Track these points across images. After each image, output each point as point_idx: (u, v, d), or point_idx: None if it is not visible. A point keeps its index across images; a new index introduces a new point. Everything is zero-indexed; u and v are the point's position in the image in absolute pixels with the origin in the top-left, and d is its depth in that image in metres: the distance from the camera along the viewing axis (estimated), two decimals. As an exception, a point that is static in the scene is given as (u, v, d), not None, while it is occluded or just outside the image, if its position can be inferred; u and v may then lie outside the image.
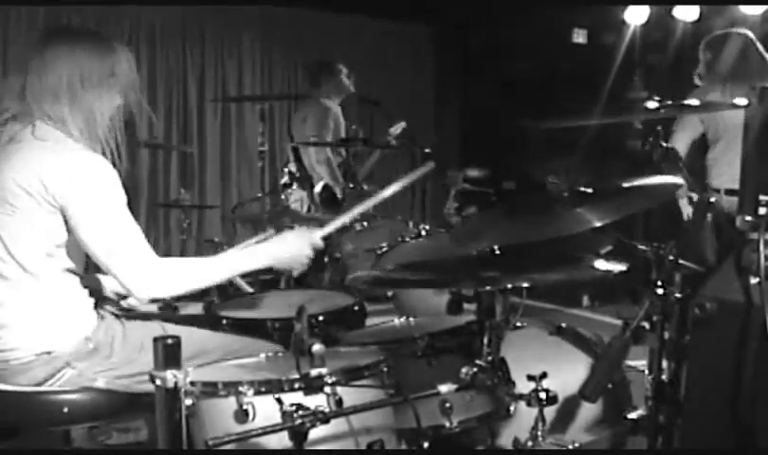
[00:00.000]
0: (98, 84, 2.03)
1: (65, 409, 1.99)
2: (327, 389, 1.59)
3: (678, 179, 2.00)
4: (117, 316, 2.20)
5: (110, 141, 2.07)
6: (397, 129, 5.35)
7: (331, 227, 2.34)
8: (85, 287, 2.11)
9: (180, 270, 2.08)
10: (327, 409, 1.56)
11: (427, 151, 5.36)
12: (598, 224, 1.95)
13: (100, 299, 2.21)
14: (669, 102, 1.93)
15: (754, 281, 1.73)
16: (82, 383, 2.01)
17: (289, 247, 2.22)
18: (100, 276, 2.32)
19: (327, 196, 4.67)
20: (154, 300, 2.28)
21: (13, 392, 1.99)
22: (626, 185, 2.12)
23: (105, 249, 1.96)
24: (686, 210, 3.45)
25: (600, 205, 2.04)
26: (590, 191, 2.08)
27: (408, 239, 3.28)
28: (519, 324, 2.73)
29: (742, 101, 1.82)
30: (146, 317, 2.41)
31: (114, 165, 2.03)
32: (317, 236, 2.28)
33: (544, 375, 1.99)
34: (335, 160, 5.11)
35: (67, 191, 1.92)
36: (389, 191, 2.45)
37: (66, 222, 1.96)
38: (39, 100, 1.99)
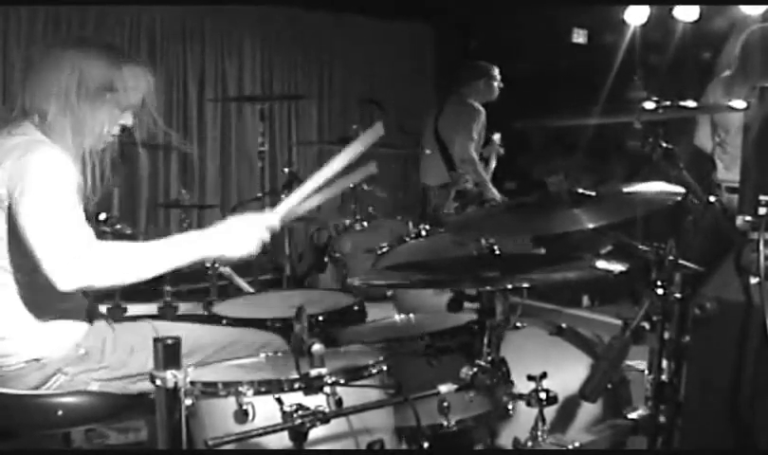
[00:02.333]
0: (93, 95, 1.99)
1: (60, 412, 1.98)
2: (327, 389, 1.59)
3: (679, 188, 1.99)
4: (107, 319, 2.17)
5: (95, 157, 2.01)
6: (497, 139, 5.58)
7: (286, 207, 2.10)
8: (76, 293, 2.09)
9: (107, 261, 1.88)
10: (327, 409, 1.56)
11: (427, 151, 5.39)
12: (594, 225, 1.95)
13: (91, 304, 2.18)
14: (668, 103, 1.93)
15: (754, 281, 1.73)
16: (75, 388, 2.00)
17: (237, 233, 2.00)
18: None
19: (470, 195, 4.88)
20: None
21: (7, 395, 1.98)
22: (626, 190, 2.13)
23: (33, 240, 1.83)
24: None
25: (599, 207, 2.05)
26: (592, 194, 2.08)
27: (408, 239, 3.29)
28: (519, 324, 2.74)
29: (741, 104, 1.82)
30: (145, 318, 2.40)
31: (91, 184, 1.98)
32: (272, 218, 2.06)
33: (544, 375, 1.99)
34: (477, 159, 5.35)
35: (13, 176, 1.86)
36: (339, 162, 2.10)
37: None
38: (33, 95, 1.98)
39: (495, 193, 5.34)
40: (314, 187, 2.08)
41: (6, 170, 1.88)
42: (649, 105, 1.93)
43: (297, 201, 2.09)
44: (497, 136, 5.60)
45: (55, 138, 1.96)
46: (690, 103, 2.00)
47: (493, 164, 5.60)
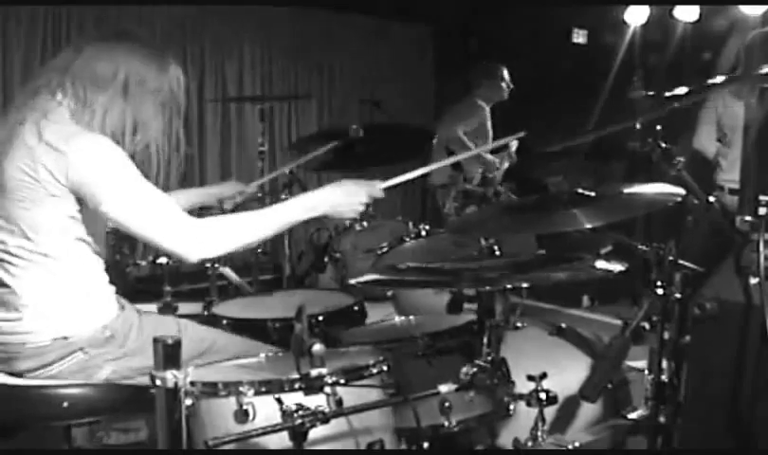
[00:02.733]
0: (144, 92, 2.02)
1: (65, 404, 1.99)
2: (327, 389, 1.59)
3: (679, 189, 2.00)
4: (135, 308, 2.18)
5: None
6: (513, 145, 5.56)
7: (395, 181, 2.25)
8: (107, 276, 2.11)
9: (223, 228, 2.04)
10: (327, 409, 1.56)
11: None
12: (594, 224, 1.95)
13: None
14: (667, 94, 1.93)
15: (754, 281, 1.74)
16: (89, 368, 2.01)
17: (345, 193, 2.12)
18: None
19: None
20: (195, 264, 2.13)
21: (12, 386, 1.99)
22: (626, 191, 2.13)
23: (139, 220, 1.95)
24: None
25: (599, 207, 2.05)
26: (592, 194, 2.08)
27: (408, 239, 3.29)
28: (519, 324, 2.74)
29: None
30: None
31: None
32: (378, 186, 2.18)
33: (544, 375, 1.99)
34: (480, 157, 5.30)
35: (82, 181, 1.91)
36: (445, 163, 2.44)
37: (79, 202, 1.95)
38: (80, 80, 1.98)
39: (489, 158, 5.28)
40: (419, 174, 2.29)
41: (54, 164, 1.90)
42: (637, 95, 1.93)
43: (402, 181, 2.25)
44: (514, 144, 5.58)
45: (92, 126, 1.97)
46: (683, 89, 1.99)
47: (504, 166, 5.59)
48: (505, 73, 5.47)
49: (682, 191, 1.99)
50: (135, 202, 1.95)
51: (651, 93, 1.95)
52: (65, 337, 1.99)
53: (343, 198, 2.11)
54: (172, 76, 2.09)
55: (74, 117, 1.98)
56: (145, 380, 1.96)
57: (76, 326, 2.00)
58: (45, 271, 1.99)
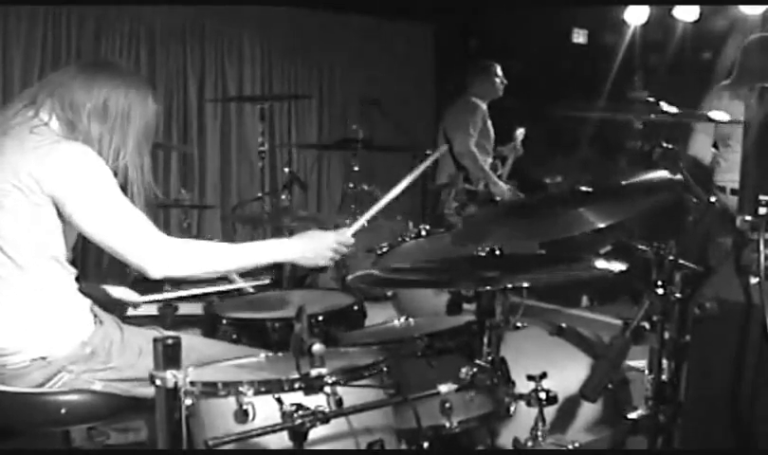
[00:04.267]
0: (128, 123, 2.06)
1: (63, 410, 1.99)
2: (327, 389, 1.59)
3: (676, 176, 1.99)
4: (117, 321, 2.18)
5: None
6: (519, 135, 5.57)
7: (358, 224, 2.34)
8: (82, 292, 2.10)
9: (193, 251, 2.07)
10: (327, 409, 1.56)
11: (428, 151, 5.38)
12: (600, 224, 1.95)
13: (100, 304, 2.19)
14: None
15: (754, 281, 1.74)
16: (79, 386, 2.00)
17: (314, 243, 2.18)
18: (107, 287, 2.35)
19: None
20: (164, 281, 2.22)
21: (11, 394, 1.98)
22: (625, 182, 2.12)
23: (111, 234, 1.96)
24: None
25: (601, 205, 2.04)
26: (590, 190, 2.07)
27: (408, 239, 3.29)
28: (519, 324, 2.74)
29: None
30: (145, 318, 2.40)
31: None
32: (346, 233, 2.25)
33: (544, 375, 1.99)
34: (482, 156, 5.30)
35: (59, 184, 1.92)
36: (405, 183, 2.42)
37: (60, 215, 1.96)
38: (69, 106, 2.01)
39: (501, 187, 5.30)
40: (382, 205, 2.37)
41: (37, 169, 1.91)
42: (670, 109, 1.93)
43: (366, 219, 2.36)
44: (520, 132, 5.57)
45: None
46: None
47: (510, 162, 5.58)
48: (498, 70, 5.46)
49: (680, 177, 1.98)
50: (105, 211, 1.96)
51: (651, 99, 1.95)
52: (44, 357, 1.97)
53: (312, 248, 2.17)
54: (151, 108, 2.13)
55: (57, 132, 2.00)
56: (140, 391, 1.98)
57: (54, 345, 1.98)
58: (19, 288, 1.97)
